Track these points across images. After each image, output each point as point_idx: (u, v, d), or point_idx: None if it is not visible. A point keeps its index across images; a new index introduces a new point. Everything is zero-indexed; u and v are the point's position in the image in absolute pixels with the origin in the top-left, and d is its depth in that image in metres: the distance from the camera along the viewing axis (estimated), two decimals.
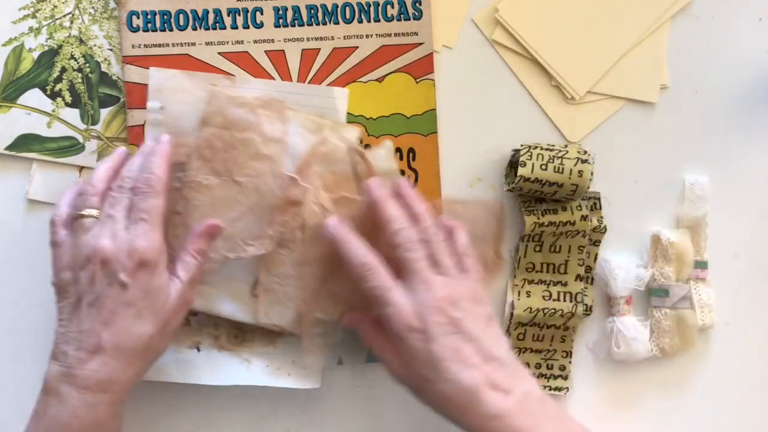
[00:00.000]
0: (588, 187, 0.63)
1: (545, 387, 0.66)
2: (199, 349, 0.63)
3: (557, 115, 0.66)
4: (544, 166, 0.62)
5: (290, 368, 0.64)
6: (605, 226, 0.66)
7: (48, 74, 0.63)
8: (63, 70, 0.63)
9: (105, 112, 0.64)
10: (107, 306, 0.52)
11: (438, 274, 0.55)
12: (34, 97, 0.63)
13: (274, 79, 0.63)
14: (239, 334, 0.63)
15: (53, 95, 0.64)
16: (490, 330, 0.54)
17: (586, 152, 0.63)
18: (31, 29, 0.63)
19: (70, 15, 0.63)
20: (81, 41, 0.63)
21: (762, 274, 0.69)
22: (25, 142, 0.63)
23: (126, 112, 0.63)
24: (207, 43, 0.63)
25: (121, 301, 0.52)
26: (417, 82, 0.64)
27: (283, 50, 0.63)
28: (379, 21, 0.64)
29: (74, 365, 0.52)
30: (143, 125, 0.62)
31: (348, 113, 0.64)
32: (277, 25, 0.63)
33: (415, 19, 0.64)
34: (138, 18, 0.62)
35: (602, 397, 0.67)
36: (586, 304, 0.66)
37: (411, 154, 0.64)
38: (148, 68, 0.62)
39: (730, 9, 0.67)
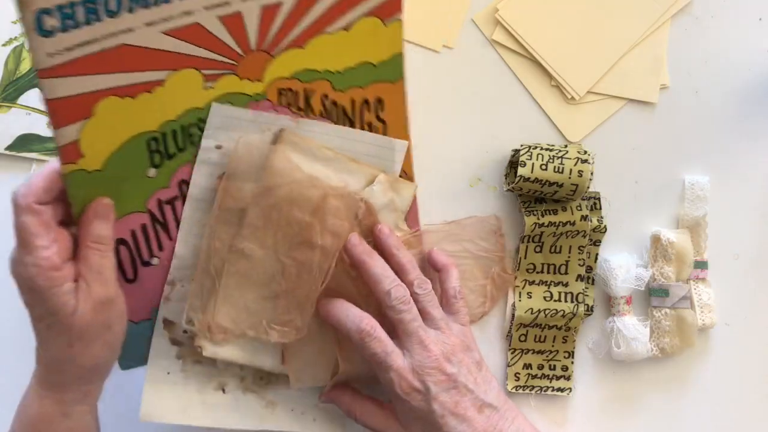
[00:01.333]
0: (588, 187, 0.63)
1: (548, 388, 0.66)
2: (224, 391, 0.62)
3: (557, 115, 0.66)
4: (544, 166, 0.62)
5: (315, 413, 0.63)
6: (605, 226, 0.66)
7: None
8: None
9: None
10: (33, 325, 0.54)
11: (431, 327, 0.57)
12: (34, 97, 0.64)
13: (232, 49, 0.55)
14: (265, 376, 0.62)
15: None
16: (481, 376, 0.58)
17: (586, 152, 0.63)
18: None
19: None
20: None
21: (762, 274, 0.69)
22: (25, 142, 0.63)
23: (55, 132, 0.50)
24: (148, 24, 0.50)
25: (33, 318, 0.53)
26: (386, 25, 0.58)
27: (240, 12, 0.53)
28: None
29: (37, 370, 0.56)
30: (78, 139, 0.52)
31: (312, 70, 0.58)
32: None
33: None
34: (51, 16, 0.47)
35: (602, 397, 0.67)
36: (588, 305, 0.66)
37: (379, 105, 0.60)
38: (74, 75, 0.49)
39: (730, 9, 0.68)
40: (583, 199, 0.65)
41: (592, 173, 0.62)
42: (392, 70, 0.59)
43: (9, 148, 0.63)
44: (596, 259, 0.66)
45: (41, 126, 0.64)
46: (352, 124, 0.60)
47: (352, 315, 0.56)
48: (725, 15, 0.68)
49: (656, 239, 0.66)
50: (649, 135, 0.67)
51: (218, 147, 0.57)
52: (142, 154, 0.55)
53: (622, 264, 0.65)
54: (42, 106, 0.63)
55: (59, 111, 0.50)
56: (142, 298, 0.59)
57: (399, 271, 0.58)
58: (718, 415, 0.68)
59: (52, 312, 0.51)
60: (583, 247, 0.65)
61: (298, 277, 0.58)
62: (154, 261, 0.58)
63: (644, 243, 0.67)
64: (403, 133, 0.61)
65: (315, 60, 0.57)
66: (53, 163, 0.51)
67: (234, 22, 0.54)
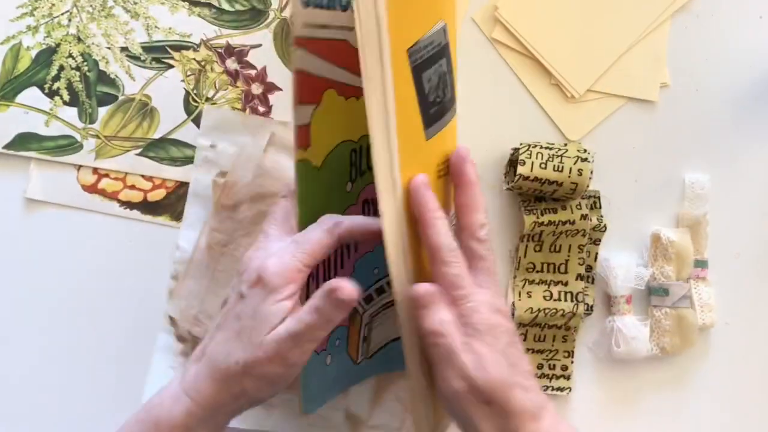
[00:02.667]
0: (588, 186, 0.63)
1: (547, 387, 0.66)
2: None
3: (557, 113, 0.66)
4: (543, 165, 0.62)
5: (313, 418, 0.63)
6: (605, 225, 0.66)
7: (46, 73, 0.63)
8: (61, 68, 0.63)
9: (103, 111, 0.64)
10: (225, 314, 0.49)
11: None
12: (32, 95, 0.63)
13: None
14: None
15: (51, 94, 0.63)
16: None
17: (585, 151, 0.63)
18: (28, 27, 0.63)
19: (68, 13, 0.63)
20: (79, 39, 0.63)
21: (762, 273, 0.68)
22: (23, 141, 0.63)
23: (295, 109, 0.48)
24: None
25: (234, 312, 0.49)
26: None
27: None
28: None
29: (190, 361, 0.51)
30: (308, 124, 0.49)
31: None
32: None
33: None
34: None
35: (602, 396, 0.67)
36: (588, 304, 0.65)
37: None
38: (314, 53, 0.48)
39: (730, 7, 0.67)
40: (583, 198, 0.65)
41: (591, 172, 0.62)
42: None
43: (7, 146, 0.63)
44: (596, 258, 0.66)
45: (39, 125, 0.63)
46: None
47: (448, 234, 0.49)
48: (725, 13, 0.67)
49: (656, 238, 0.66)
50: (649, 133, 0.67)
51: (212, 146, 0.59)
52: (346, 165, 0.53)
53: (622, 263, 0.65)
54: (46, 106, 0.63)
55: (303, 85, 0.48)
56: None
57: (471, 204, 0.52)
58: (718, 414, 0.68)
59: (259, 314, 0.48)
60: (582, 246, 0.65)
61: None
62: None
63: (644, 242, 0.67)
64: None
65: None
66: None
67: None
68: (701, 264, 0.67)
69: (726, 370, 0.68)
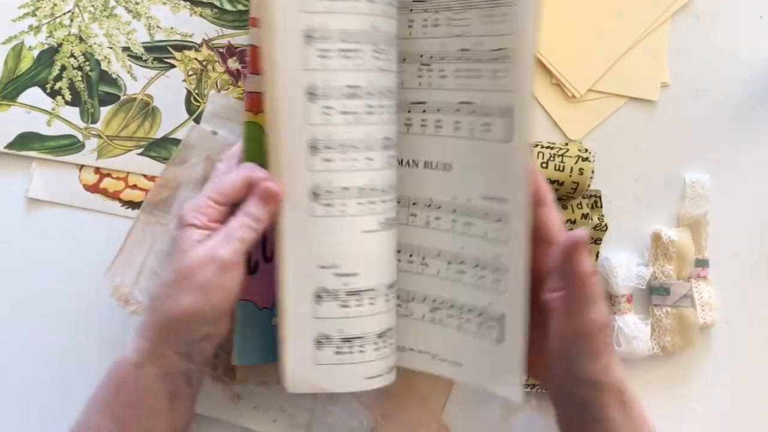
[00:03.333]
0: (589, 186, 0.63)
1: None
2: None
3: (558, 113, 0.66)
4: (544, 164, 0.62)
5: (277, 414, 0.63)
6: (606, 225, 0.66)
7: (48, 72, 0.63)
8: (63, 68, 0.63)
9: (105, 111, 0.64)
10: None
11: None
12: (33, 95, 0.63)
13: None
14: (237, 369, 0.62)
15: (53, 93, 0.63)
16: None
17: (586, 150, 0.63)
18: (30, 27, 0.63)
19: (70, 13, 0.63)
20: (81, 39, 0.63)
21: (763, 273, 0.69)
22: (24, 141, 0.63)
23: (248, 78, 0.56)
24: None
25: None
26: None
27: None
28: None
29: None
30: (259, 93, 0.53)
31: None
32: None
33: None
34: None
35: None
36: None
37: None
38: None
39: (730, 7, 0.67)
40: (584, 198, 0.65)
41: (592, 171, 0.62)
42: None
43: (9, 146, 0.63)
44: (597, 257, 0.66)
45: (41, 124, 0.63)
46: None
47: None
48: (726, 13, 0.67)
49: (657, 237, 0.66)
50: (649, 133, 0.67)
51: (214, 132, 0.61)
52: None
53: (622, 262, 0.65)
54: (48, 106, 0.63)
55: (256, 58, 0.53)
56: (269, 282, 0.55)
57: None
58: (719, 413, 0.68)
59: (178, 242, 0.52)
60: None
61: None
62: None
63: (645, 241, 0.67)
64: None
65: None
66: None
67: None
68: (702, 263, 0.67)
69: (727, 369, 0.68)
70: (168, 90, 0.64)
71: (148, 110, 0.64)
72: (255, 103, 0.56)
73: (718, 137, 0.68)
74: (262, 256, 0.57)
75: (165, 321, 0.51)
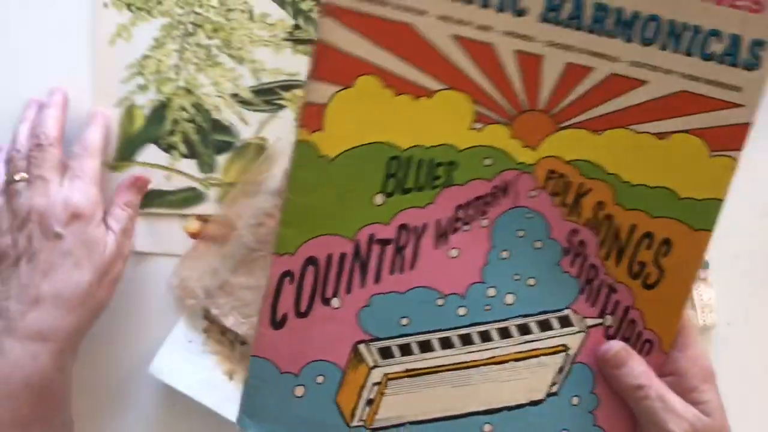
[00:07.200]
0: None
1: None
2: (231, 378, 0.63)
3: None
4: None
5: None
6: None
7: (161, 128, 0.64)
8: (175, 122, 0.64)
9: (221, 159, 0.64)
10: (45, 258, 0.53)
11: None
12: (150, 152, 0.63)
13: (516, 96, 0.45)
14: None
15: (168, 148, 0.64)
16: None
17: None
18: (139, 86, 0.63)
19: (176, 67, 0.64)
20: (189, 91, 0.64)
21: (763, 274, 0.68)
22: (147, 199, 0.63)
23: (308, 83, 0.43)
24: (441, 18, 0.43)
25: (58, 251, 0.53)
26: (711, 156, 0.47)
27: (542, 56, 0.44)
28: (690, 55, 0.44)
29: (16, 318, 0.53)
30: (325, 104, 0.43)
31: (598, 166, 0.46)
32: (545, 20, 0.44)
33: (746, 68, 0.45)
34: None
35: None
36: None
37: (664, 247, 0.48)
38: (353, 29, 0.42)
39: None
40: None
41: None
42: (699, 215, 0.48)
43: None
44: None
45: (161, 180, 0.64)
46: (620, 252, 0.48)
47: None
48: None
49: None
50: None
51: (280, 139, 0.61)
52: (378, 172, 0.45)
53: None
54: (165, 161, 0.64)
55: (324, 60, 0.42)
56: (298, 343, 0.46)
57: None
58: None
59: (89, 242, 0.54)
60: None
61: None
62: (335, 302, 0.46)
63: None
64: (680, 299, 0.49)
65: (607, 156, 0.46)
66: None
67: (530, 65, 0.44)
68: (702, 265, 0.66)
69: (727, 371, 0.65)
70: (282, 130, 0.64)
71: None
72: (313, 117, 0.43)
73: None
74: (294, 309, 0.46)
75: (91, 315, 0.56)
